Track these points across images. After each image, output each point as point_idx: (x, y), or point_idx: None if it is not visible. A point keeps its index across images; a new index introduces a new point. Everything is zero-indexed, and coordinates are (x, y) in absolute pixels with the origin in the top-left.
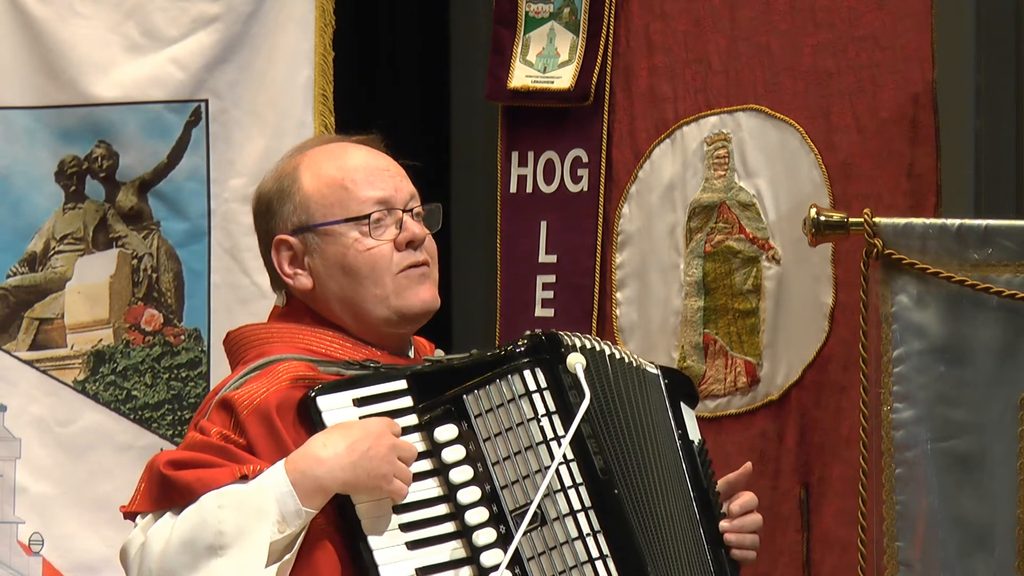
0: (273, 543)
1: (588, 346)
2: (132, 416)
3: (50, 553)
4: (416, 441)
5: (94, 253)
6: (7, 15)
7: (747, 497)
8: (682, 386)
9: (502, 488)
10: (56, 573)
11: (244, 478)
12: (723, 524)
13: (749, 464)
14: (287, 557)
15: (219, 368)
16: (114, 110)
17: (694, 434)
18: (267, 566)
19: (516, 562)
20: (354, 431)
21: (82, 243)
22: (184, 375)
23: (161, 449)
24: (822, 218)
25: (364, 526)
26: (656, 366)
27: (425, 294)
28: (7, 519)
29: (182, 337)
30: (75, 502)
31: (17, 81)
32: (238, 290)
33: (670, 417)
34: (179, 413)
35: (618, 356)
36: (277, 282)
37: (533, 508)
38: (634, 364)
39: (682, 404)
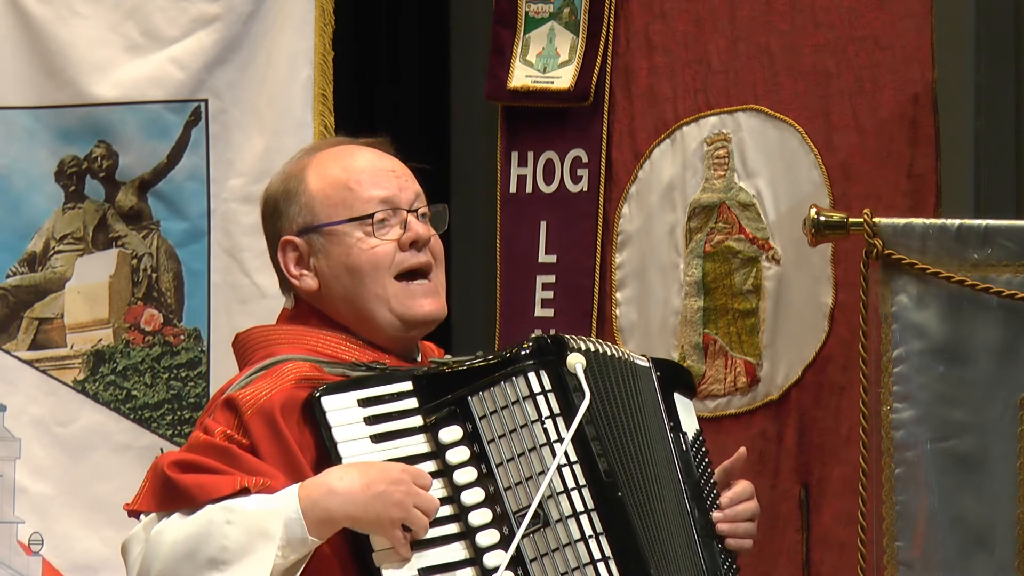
0: (276, 566)
1: (591, 348)
2: (132, 416)
3: (50, 553)
4: (421, 442)
5: (94, 253)
6: (7, 15)
7: (741, 487)
8: (678, 377)
9: (506, 489)
10: (56, 573)
11: (246, 491)
12: (715, 515)
13: (743, 449)
14: None
15: (219, 368)
16: (114, 110)
17: (689, 425)
18: None
19: (518, 563)
20: (373, 471)
21: (82, 243)
22: (184, 375)
23: (161, 449)
24: (822, 218)
25: None
26: (648, 359)
27: (428, 305)
28: (7, 519)
29: (182, 337)
30: (75, 502)
31: (17, 81)
32: (238, 290)
33: (662, 410)
34: (179, 413)
35: (616, 355)
36: (285, 284)
37: (532, 509)
38: (627, 359)
39: (677, 395)
